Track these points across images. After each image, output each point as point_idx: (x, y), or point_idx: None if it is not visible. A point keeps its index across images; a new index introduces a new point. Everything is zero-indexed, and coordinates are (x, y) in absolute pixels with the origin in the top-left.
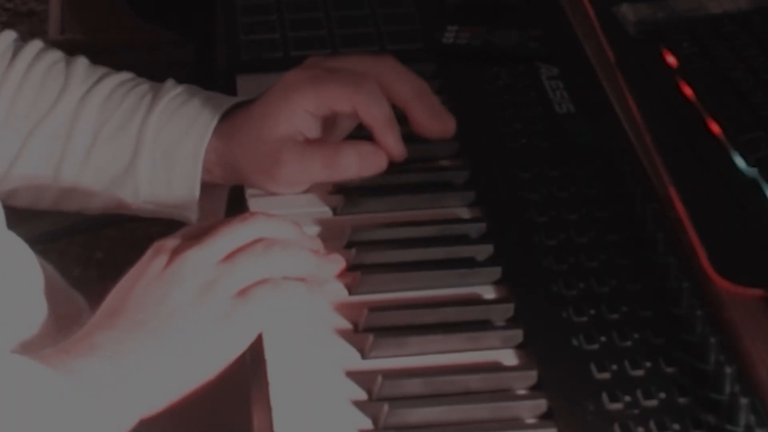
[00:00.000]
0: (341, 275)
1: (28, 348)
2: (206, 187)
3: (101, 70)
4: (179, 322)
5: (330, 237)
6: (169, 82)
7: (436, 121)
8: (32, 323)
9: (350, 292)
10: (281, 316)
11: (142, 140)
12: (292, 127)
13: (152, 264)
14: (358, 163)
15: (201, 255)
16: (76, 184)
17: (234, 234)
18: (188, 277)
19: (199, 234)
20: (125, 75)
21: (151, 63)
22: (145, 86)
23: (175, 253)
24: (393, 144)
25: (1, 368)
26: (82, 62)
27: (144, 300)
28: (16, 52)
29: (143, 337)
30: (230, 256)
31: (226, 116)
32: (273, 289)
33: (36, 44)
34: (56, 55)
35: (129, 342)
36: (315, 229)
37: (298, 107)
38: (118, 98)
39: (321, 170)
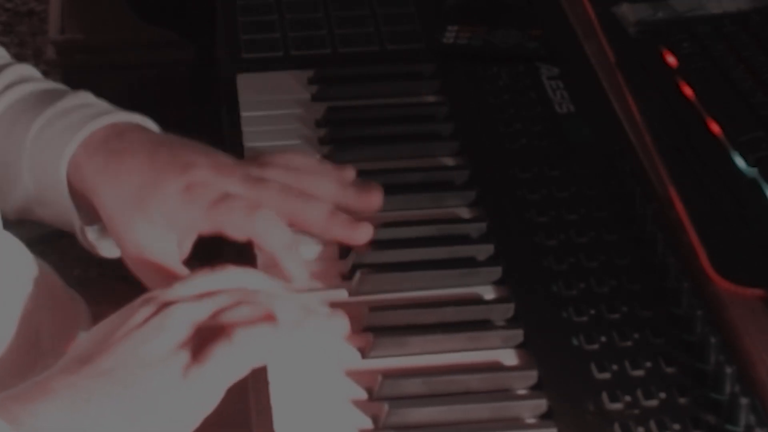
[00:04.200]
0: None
1: (26, 350)
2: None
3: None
4: (146, 375)
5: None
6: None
7: (350, 229)
8: (30, 324)
9: (351, 294)
10: (246, 369)
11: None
12: (166, 235)
13: (137, 313)
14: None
15: (189, 310)
16: None
17: (223, 295)
18: (168, 330)
19: (195, 287)
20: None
21: (151, 63)
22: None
23: (164, 304)
24: (296, 271)
25: None
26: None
27: (118, 348)
28: None
29: (107, 387)
30: (217, 314)
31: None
32: (229, 347)
33: None
34: None
35: (90, 390)
36: None
37: (189, 231)
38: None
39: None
